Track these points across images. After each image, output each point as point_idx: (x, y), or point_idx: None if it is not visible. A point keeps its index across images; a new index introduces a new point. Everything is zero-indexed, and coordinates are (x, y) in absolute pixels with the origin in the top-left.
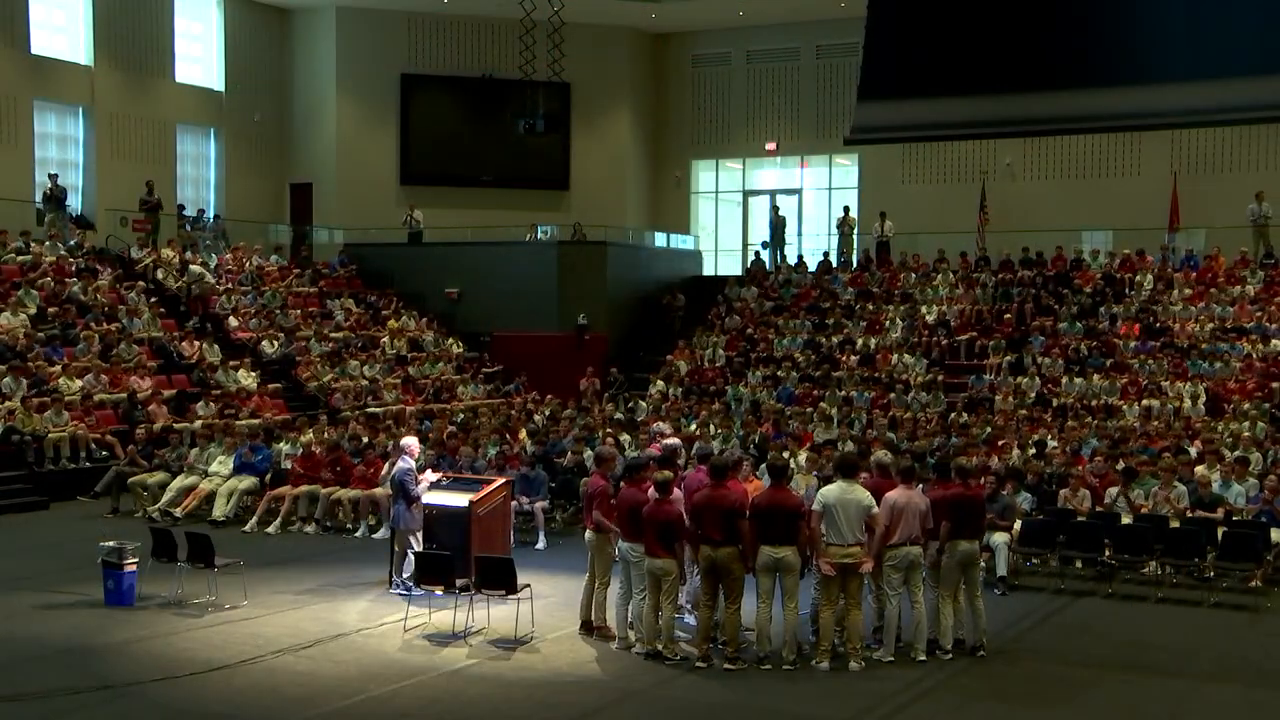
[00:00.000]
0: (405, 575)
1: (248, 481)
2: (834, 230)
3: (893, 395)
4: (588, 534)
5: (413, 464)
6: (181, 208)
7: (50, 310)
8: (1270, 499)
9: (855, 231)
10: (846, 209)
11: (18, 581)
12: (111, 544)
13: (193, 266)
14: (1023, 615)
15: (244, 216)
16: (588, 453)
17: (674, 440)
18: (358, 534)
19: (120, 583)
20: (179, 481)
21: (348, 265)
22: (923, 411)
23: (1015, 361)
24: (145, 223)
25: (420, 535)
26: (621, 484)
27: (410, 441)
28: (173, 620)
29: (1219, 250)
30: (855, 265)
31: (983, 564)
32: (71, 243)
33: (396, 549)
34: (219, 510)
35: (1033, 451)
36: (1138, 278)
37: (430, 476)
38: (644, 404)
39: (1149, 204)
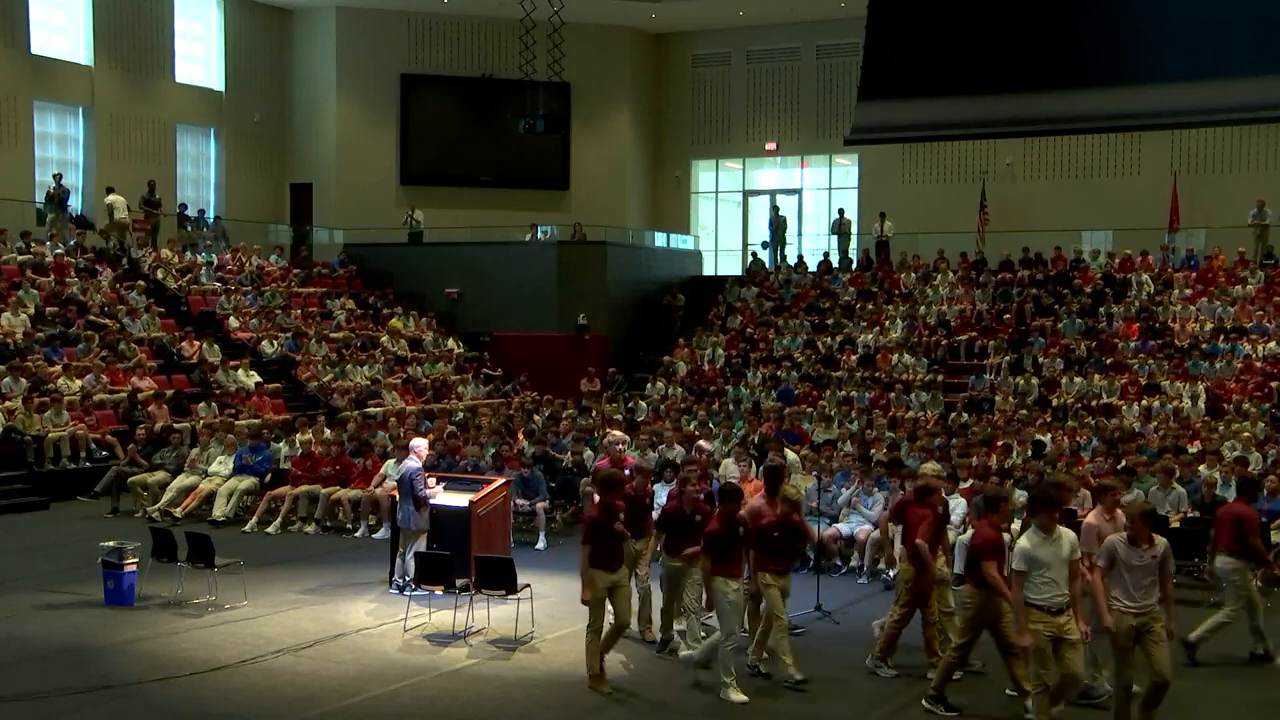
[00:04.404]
0: (408, 576)
1: (248, 481)
2: (832, 232)
3: (893, 395)
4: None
5: (420, 464)
6: (182, 207)
7: (50, 310)
8: (1270, 499)
9: (855, 232)
10: (841, 211)
11: (18, 581)
12: (111, 544)
13: (110, 197)
14: None
15: (244, 216)
16: (587, 452)
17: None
18: (358, 534)
19: (120, 583)
20: (179, 481)
21: (347, 265)
22: (923, 411)
23: (1015, 362)
24: (145, 222)
25: (424, 537)
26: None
27: (419, 442)
28: (173, 620)
29: (1219, 250)
30: (855, 266)
31: None
32: (71, 243)
33: (400, 549)
34: (219, 510)
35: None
36: (1137, 278)
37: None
38: (644, 404)
39: (1149, 204)
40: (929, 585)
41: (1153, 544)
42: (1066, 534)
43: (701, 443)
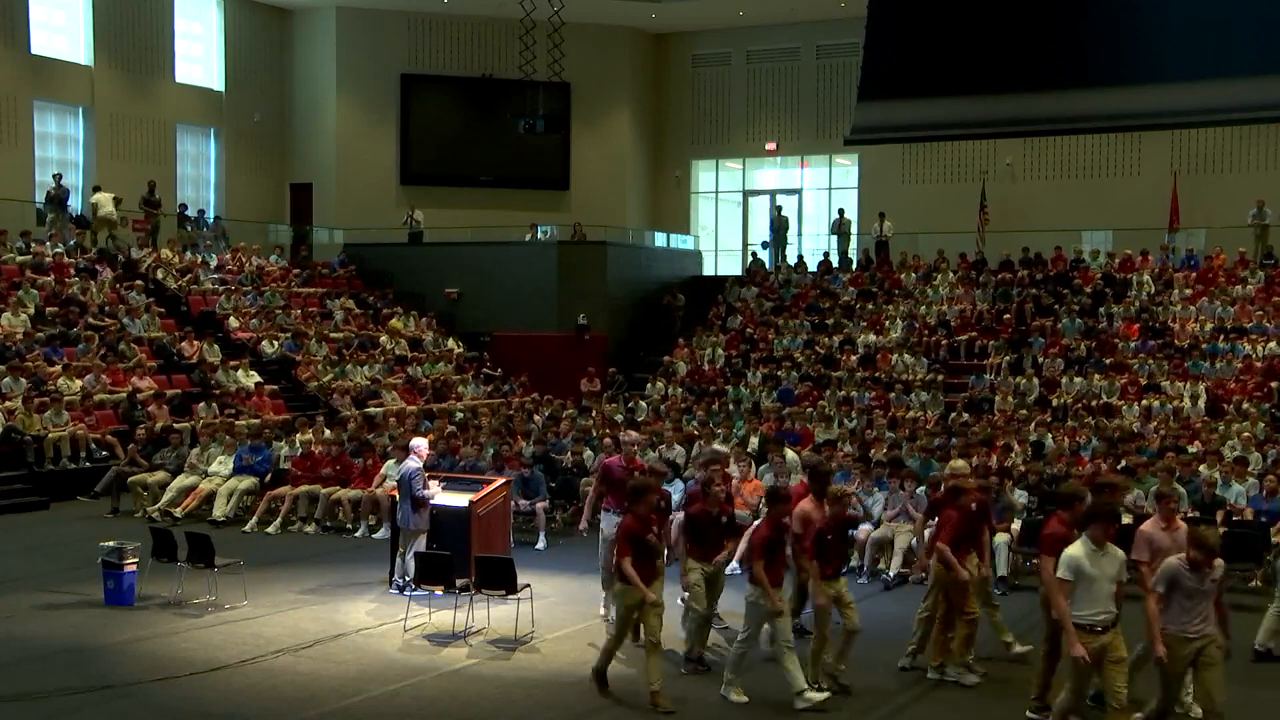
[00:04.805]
0: (408, 576)
1: (248, 481)
2: (831, 232)
3: (893, 395)
4: (617, 585)
5: (420, 465)
6: (183, 207)
7: (50, 310)
8: (1269, 499)
9: (855, 232)
10: (841, 211)
11: (18, 581)
12: (111, 544)
13: (95, 196)
14: (1023, 615)
15: (244, 216)
16: (587, 452)
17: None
18: (358, 534)
19: (120, 583)
20: (179, 481)
21: (347, 265)
22: (923, 411)
23: (1015, 361)
24: (145, 222)
25: (424, 538)
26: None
27: (419, 442)
28: (173, 620)
29: (1219, 250)
30: (855, 266)
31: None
32: (71, 242)
33: (400, 549)
34: (219, 510)
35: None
36: (1137, 278)
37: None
38: (644, 404)
39: (1149, 204)
40: (964, 584)
41: (1213, 567)
42: (1117, 552)
43: (717, 446)
